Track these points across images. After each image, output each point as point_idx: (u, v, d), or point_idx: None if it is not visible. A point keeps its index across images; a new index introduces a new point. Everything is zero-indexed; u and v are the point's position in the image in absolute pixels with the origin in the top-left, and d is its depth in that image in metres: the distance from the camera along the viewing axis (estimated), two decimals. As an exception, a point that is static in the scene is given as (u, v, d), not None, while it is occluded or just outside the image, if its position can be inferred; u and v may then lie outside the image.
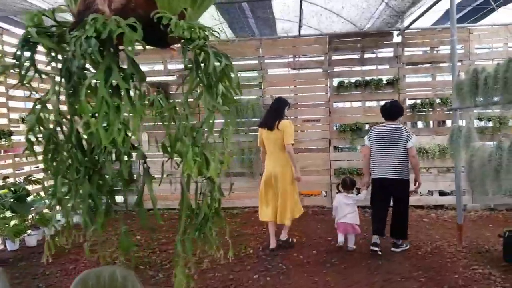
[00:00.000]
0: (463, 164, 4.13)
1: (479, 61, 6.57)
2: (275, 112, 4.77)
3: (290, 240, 4.90)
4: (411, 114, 6.74)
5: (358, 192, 4.88)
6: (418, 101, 6.77)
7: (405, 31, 6.67)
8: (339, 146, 7.38)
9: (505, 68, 3.16)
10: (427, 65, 6.86)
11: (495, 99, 3.46)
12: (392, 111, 4.68)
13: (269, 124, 4.70)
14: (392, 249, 4.55)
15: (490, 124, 6.52)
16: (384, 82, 6.76)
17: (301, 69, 7.12)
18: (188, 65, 1.76)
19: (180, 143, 1.77)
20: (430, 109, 6.70)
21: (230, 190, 2.16)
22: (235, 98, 1.93)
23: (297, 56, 7.18)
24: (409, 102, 6.90)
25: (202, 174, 1.86)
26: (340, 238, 4.68)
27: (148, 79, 2.49)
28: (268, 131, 4.70)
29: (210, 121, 1.82)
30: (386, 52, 7.20)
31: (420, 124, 7.26)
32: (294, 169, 4.70)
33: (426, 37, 6.78)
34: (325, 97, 6.94)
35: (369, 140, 4.68)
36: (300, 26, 7.04)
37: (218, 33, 1.88)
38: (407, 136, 4.46)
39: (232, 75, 1.85)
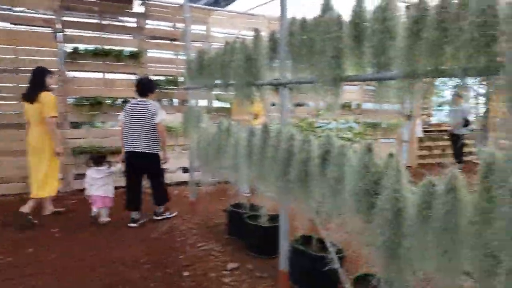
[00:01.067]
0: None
1: (217, 44, 6.94)
2: (34, 83, 4.54)
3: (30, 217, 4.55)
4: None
5: (110, 166, 4.84)
6: (162, 78, 6.67)
7: (149, 2, 6.36)
8: (78, 122, 6.56)
9: (223, 52, 3.22)
10: (170, 42, 6.79)
11: (217, 81, 3.54)
12: (141, 88, 4.74)
13: (29, 97, 4.50)
14: (154, 217, 4.76)
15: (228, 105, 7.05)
16: (127, 54, 6.32)
17: (23, 25, 5.80)
18: None
19: None
20: (174, 87, 6.71)
21: None
22: None
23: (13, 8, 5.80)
24: (153, 78, 6.72)
25: None
26: (94, 209, 4.69)
27: None
28: (29, 103, 4.49)
29: None
30: (131, 23, 6.76)
31: (164, 101, 7.20)
32: (55, 143, 4.61)
33: (169, 12, 6.67)
34: (56, 64, 5.93)
35: (124, 115, 4.68)
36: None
37: None
38: (154, 111, 4.57)
39: None
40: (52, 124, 4.49)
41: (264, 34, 2.82)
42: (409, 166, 8.72)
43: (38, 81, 4.50)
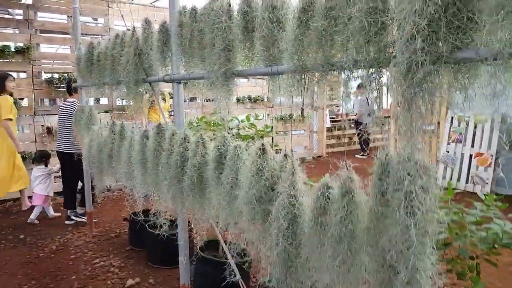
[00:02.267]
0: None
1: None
2: None
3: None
4: (48, 89, 5.88)
5: (46, 165, 4.93)
6: (56, 76, 5.99)
7: (36, -10, 5.67)
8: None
9: (112, 46, 2.86)
10: (66, 36, 6.12)
11: (108, 78, 3.16)
12: (66, 87, 4.90)
13: None
14: (66, 222, 4.66)
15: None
16: (12, 49, 5.55)
17: None
18: None
19: None
20: (70, 85, 6.05)
21: None
22: None
23: None
24: (45, 75, 6.04)
25: None
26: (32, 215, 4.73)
27: None
28: None
29: None
30: (18, 15, 5.98)
31: (59, 101, 6.52)
32: (15, 144, 4.83)
33: (62, 3, 5.99)
34: None
35: None
36: None
37: None
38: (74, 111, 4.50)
39: None
40: (8, 127, 4.66)
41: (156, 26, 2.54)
42: (319, 156, 8.96)
43: None
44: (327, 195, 1.38)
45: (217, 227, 2.25)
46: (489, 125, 5.84)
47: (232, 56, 1.70)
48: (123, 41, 2.71)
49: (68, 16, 6.15)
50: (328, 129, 9.54)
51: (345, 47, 1.26)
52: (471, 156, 5.99)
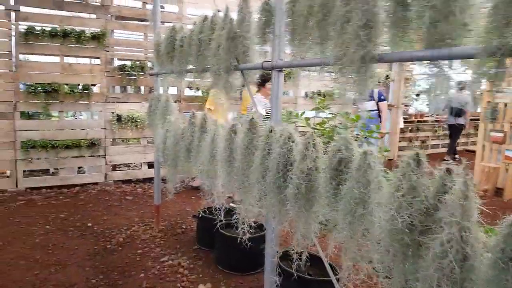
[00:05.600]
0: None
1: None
2: None
3: None
4: (120, 76, 5.84)
5: None
6: (128, 63, 5.94)
7: (115, -24, 5.62)
8: (29, 111, 5.75)
9: (199, 29, 2.58)
10: (139, 22, 6.06)
11: (191, 66, 2.91)
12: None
13: None
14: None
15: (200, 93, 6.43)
16: (88, 35, 5.55)
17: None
18: None
19: None
20: (141, 72, 5.98)
21: None
22: None
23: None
24: (118, 62, 6.01)
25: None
26: None
27: None
28: None
29: None
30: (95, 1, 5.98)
31: (130, 89, 6.49)
32: None
33: (138, -12, 5.93)
34: (8, 46, 5.14)
35: None
36: None
37: None
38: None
39: None
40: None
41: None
42: (390, 159, 8.22)
43: None
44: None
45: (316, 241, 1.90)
46: None
47: (374, 36, 1.32)
48: (214, 23, 2.43)
49: (143, 3, 6.07)
50: (401, 130, 8.82)
51: None
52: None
